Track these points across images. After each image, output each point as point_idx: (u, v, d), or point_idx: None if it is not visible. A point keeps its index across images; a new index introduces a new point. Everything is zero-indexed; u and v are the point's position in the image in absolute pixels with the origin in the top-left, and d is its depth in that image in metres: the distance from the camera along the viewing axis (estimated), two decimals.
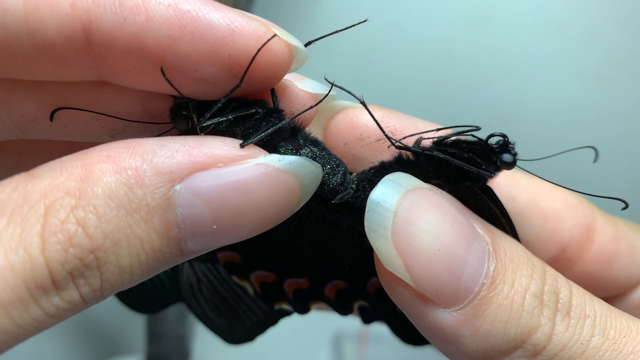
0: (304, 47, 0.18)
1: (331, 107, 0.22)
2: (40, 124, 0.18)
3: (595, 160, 0.21)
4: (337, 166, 0.19)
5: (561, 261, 0.24)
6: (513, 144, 0.18)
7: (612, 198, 0.18)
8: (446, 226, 0.17)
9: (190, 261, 0.24)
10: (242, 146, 0.16)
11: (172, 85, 0.16)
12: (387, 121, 0.21)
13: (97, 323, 0.63)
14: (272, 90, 0.19)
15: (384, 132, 0.19)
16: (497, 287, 0.17)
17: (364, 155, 0.21)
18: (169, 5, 0.15)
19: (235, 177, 0.15)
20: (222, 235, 0.16)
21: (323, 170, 0.19)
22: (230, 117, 0.17)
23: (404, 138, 0.19)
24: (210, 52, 0.16)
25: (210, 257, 0.24)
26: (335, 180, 0.19)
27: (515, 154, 0.18)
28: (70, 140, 0.19)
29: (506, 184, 0.23)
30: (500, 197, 0.20)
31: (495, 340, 0.16)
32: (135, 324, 0.59)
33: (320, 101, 0.19)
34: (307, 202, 0.17)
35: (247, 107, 0.18)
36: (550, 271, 0.18)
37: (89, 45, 0.16)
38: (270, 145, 0.18)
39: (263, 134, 0.17)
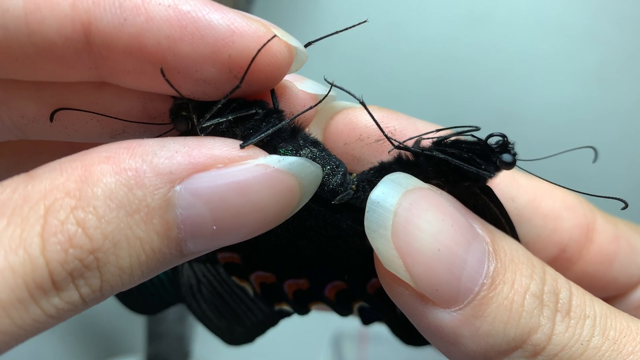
0: (303, 47, 0.18)
1: (331, 107, 0.22)
2: (40, 124, 0.18)
3: (595, 161, 0.21)
4: (337, 167, 0.19)
5: (561, 261, 0.24)
6: (513, 144, 0.18)
7: (612, 198, 0.18)
8: (446, 226, 0.17)
9: (190, 262, 0.24)
10: (242, 147, 0.16)
11: (172, 86, 0.16)
12: (386, 122, 0.21)
13: (97, 323, 0.63)
14: (272, 91, 0.19)
15: (383, 132, 0.19)
16: (497, 287, 0.17)
17: (363, 155, 0.21)
18: (168, 6, 0.15)
19: (235, 178, 0.15)
20: (222, 236, 0.16)
21: (323, 170, 0.19)
22: (230, 117, 0.17)
23: (405, 141, 0.19)
24: (210, 52, 0.16)
25: (210, 258, 0.24)
26: (335, 181, 0.19)
27: (514, 154, 0.18)
28: (70, 141, 0.19)
29: (506, 184, 0.23)
30: (500, 197, 0.20)
31: (495, 341, 0.16)
32: (135, 324, 0.59)
33: (320, 102, 0.19)
34: (307, 203, 0.17)
35: (247, 108, 0.18)
36: (550, 271, 0.18)
37: (89, 46, 0.16)
38: (270, 146, 0.18)
39: (263, 135, 0.17)
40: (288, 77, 0.19)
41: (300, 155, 0.19)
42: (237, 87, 0.17)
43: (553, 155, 0.21)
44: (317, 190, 0.18)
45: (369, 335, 0.60)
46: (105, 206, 0.14)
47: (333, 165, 0.19)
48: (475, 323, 0.16)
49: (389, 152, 0.20)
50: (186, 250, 0.16)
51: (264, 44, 0.16)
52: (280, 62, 0.17)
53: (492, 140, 0.18)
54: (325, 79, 0.19)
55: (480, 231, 0.17)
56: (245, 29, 0.16)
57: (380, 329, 0.31)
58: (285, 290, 0.24)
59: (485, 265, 0.17)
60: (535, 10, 0.57)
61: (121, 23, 0.15)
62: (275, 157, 0.16)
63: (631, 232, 0.25)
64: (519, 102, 0.58)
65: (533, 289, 0.17)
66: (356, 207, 0.20)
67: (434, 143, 0.19)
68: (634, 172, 0.59)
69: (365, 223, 0.17)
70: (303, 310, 0.24)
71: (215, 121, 0.17)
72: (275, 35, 0.16)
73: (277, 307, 0.25)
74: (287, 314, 0.25)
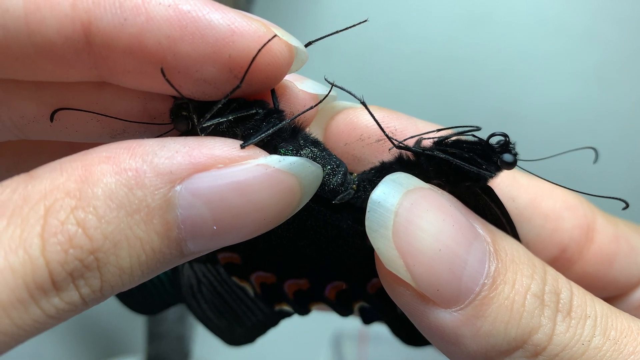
0: (304, 47, 0.18)
1: (331, 107, 0.22)
2: (40, 124, 0.18)
3: (595, 161, 0.21)
4: (338, 167, 0.19)
5: (561, 261, 0.24)
6: (514, 143, 0.18)
7: (613, 198, 0.18)
8: (447, 226, 0.17)
9: (190, 262, 0.24)
10: (242, 147, 0.16)
11: (172, 85, 0.16)
12: (387, 121, 0.21)
13: (97, 323, 0.63)
14: (273, 91, 0.19)
15: (384, 132, 0.19)
16: (498, 287, 0.17)
17: (364, 155, 0.21)
18: (169, 6, 0.15)
19: (236, 178, 0.15)
20: (222, 236, 0.16)
21: (323, 170, 0.19)
22: (230, 117, 0.17)
23: (405, 140, 0.19)
24: (210, 52, 0.16)
25: (210, 258, 0.24)
26: (336, 181, 0.19)
27: (515, 154, 0.18)
28: (70, 141, 0.19)
29: (506, 184, 0.23)
30: (500, 197, 0.20)
31: (496, 341, 0.16)
32: (135, 324, 0.59)
33: (321, 102, 0.19)
34: (307, 203, 0.17)
35: (247, 108, 0.18)
36: (551, 271, 0.18)
37: (89, 46, 0.16)
38: (271, 146, 0.18)
39: (263, 135, 0.17)
40: (288, 77, 0.19)
41: (300, 155, 0.18)
42: (238, 87, 0.17)
43: (554, 155, 0.21)
44: (317, 190, 0.18)
45: (369, 335, 0.60)
46: (105, 206, 0.14)
47: (333, 165, 0.19)
48: (476, 323, 0.16)
49: (389, 150, 0.20)
50: (186, 250, 0.15)
51: (265, 44, 0.16)
52: (280, 62, 0.17)
53: (493, 140, 0.18)
54: (325, 79, 0.19)
55: (481, 231, 0.17)
56: (246, 29, 0.16)
57: (380, 329, 0.31)
58: (285, 291, 0.24)
59: (486, 265, 0.17)
60: (535, 10, 0.57)
61: (121, 23, 0.15)
62: (275, 157, 0.16)
63: (631, 232, 0.25)
64: (519, 102, 0.58)
65: (534, 289, 0.17)
66: (357, 207, 0.20)
67: (434, 143, 0.19)
68: (634, 172, 0.59)
69: (366, 223, 0.17)
70: (303, 310, 0.24)
71: (215, 121, 0.17)
72: (275, 35, 0.16)
73: (277, 308, 0.25)
74: (287, 315, 0.25)
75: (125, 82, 0.17)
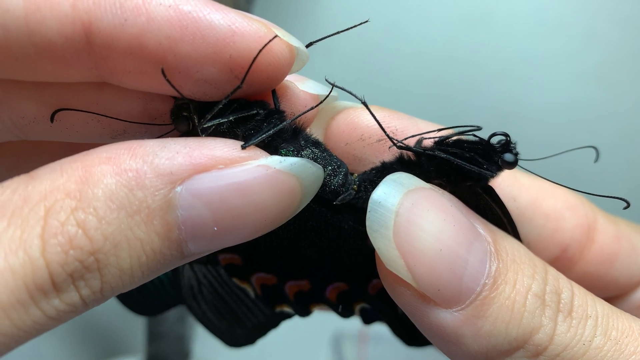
0: (305, 48, 0.18)
1: (332, 107, 0.22)
2: (40, 125, 0.18)
3: (596, 160, 0.21)
4: (339, 167, 0.19)
5: (562, 261, 0.24)
6: (515, 143, 0.18)
7: (614, 197, 0.18)
8: (448, 226, 0.17)
9: (190, 263, 0.24)
10: (243, 148, 0.16)
11: (172, 86, 0.16)
12: (388, 121, 0.21)
13: (97, 323, 0.63)
14: (273, 91, 0.19)
15: (385, 132, 0.19)
16: (499, 287, 0.17)
17: (365, 155, 0.21)
18: (169, 7, 0.15)
19: (236, 179, 0.15)
20: (222, 237, 0.16)
21: (324, 171, 0.19)
22: (231, 118, 0.17)
23: (406, 139, 0.19)
24: (211, 53, 0.16)
25: (211, 259, 0.24)
26: (337, 182, 0.19)
27: (517, 154, 0.18)
28: (70, 142, 0.19)
29: (507, 184, 0.23)
30: (501, 197, 0.20)
31: (496, 341, 0.16)
32: (135, 324, 0.59)
33: (321, 102, 0.19)
34: (308, 204, 0.17)
35: (248, 108, 0.18)
36: (552, 271, 0.18)
37: (90, 46, 0.16)
38: (272, 147, 0.18)
39: (264, 135, 0.17)
40: (289, 78, 0.19)
41: (301, 156, 0.18)
42: (238, 87, 0.17)
43: (554, 155, 0.21)
44: (318, 191, 0.18)
45: (369, 335, 0.60)
46: (105, 207, 0.14)
47: (334, 165, 0.19)
48: (477, 323, 0.16)
49: (389, 147, 0.20)
50: (187, 251, 0.15)
51: (266, 44, 0.16)
52: (281, 62, 0.17)
53: (494, 140, 0.18)
54: (326, 79, 0.19)
55: (482, 231, 0.17)
56: (247, 29, 0.16)
57: (380, 329, 0.31)
58: (286, 292, 0.24)
59: (487, 265, 0.17)
60: (535, 10, 0.57)
61: (122, 23, 0.15)
62: (276, 157, 0.16)
63: (632, 232, 0.25)
64: (519, 102, 0.58)
65: (535, 289, 0.17)
66: (358, 208, 0.20)
67: (435, 143, 0.19)
68: (634, 172, 0.59)
69: (367, 223, 0.17)
70: (304, 311, 0.24)
71: (216, 122, 0.17)
72: (276, 36, 0.16)
73: (278, 309, 0.24)
74: (288, 316, 0.25)
75: (126, 83, 0.17)
